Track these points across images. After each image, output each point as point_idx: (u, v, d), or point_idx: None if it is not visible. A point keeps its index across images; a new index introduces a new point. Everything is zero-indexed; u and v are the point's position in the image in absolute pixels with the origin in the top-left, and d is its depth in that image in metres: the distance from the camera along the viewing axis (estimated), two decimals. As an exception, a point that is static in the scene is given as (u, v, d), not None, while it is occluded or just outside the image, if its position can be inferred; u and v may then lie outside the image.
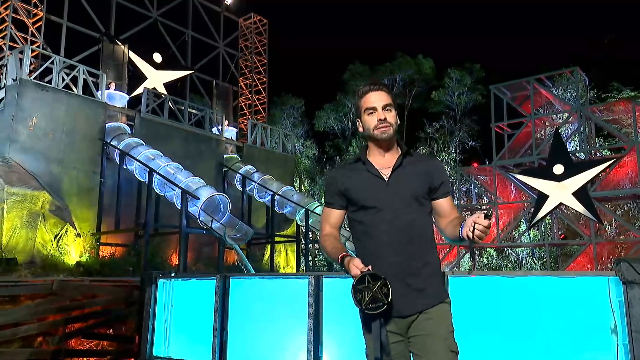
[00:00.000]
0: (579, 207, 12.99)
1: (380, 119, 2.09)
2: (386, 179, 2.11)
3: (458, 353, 2.00)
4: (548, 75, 15.88)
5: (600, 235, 13.83)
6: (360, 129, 2.20)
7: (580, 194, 12.92)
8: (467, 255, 16.46)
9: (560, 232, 16.63)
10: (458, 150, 26.08)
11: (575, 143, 17.94)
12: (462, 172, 17.37)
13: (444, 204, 2.14)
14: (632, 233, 13.84)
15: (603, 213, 13.38)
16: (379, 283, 1.85)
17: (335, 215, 2.23)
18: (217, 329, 5.10)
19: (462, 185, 20.66)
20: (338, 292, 4.46)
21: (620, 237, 15.18)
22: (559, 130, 14.14)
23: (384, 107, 2.10)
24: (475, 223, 1.80)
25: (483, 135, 25.04)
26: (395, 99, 2.21)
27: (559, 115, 15.86)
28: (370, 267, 1.90)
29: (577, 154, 14.52)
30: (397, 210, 2.05)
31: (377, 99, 2.11)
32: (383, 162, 2.15)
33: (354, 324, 4.20)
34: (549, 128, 15.77)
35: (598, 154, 15.87)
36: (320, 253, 18.75)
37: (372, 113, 2.11)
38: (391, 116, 2.11)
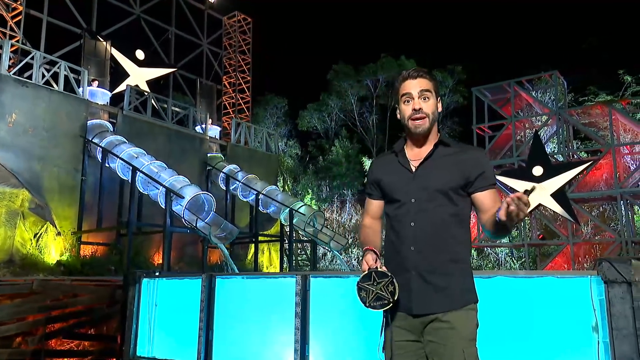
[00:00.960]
0: (557, 208, 13.28)
1: (414, 109, 1.96)
2: (412, 171, 2.00)
3: None
4: (528, 78, 16.21)
5: (577, 235, 14.18)
6: (398, 117, 2.08)
7: (558, 195, 13.21)
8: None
9: (538, 233, 16.98)
10: (439, 151, 26.34)
11: (554, 145, 18.33)
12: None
13: (483, 198, 1.95)
14: (608, 233, 14.21)
15: (580, 214, 13.72)
16: (385, 281, 1.84)
17: (374, 205, 2.16)
18: (202, 329, 5.10)
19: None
20: (325, 291, 4.51)
21: (596, 238, 15.59)
22: (538, 133, 14.45)
23: (421, 94, 1.96)
24: (513, 199, 1.63)
25: (464, 137, 25.41)
26: (438, 87, 2.05)
27: (538, 117, 16.19)
28: (379, 264, 1.88)
29: (555, 156, 14.85)
30: (421, 203, 1.94)
31: (415, 85, 1.97)
32: (416, 152, 2.04)
33: (340, 323, 4.31)
34: (528, 130, 16.09)
35: (575, 156, 16.26)
36: (302, 252, 18.81)
37: (408, 101, 1.99)
38: (428, 105, 1.97)
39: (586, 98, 21.91)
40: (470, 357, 1.85)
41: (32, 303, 7.48)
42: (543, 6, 33.50)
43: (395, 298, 1.84)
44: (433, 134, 2.03)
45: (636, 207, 14.42)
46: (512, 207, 1.62)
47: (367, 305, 1.87)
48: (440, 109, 2.05)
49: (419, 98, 1.96)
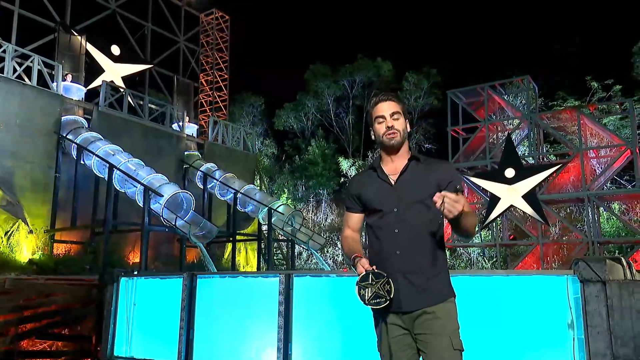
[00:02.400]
0: (528, 209, 13.70)
1: (388, 126, 2.22)
2: (392, 184, 2.23)
3: (463, 350, 2.11)
4: (501, 82, 16.63)
5: (546, 236, 14.64)
6: (373, 137, 2.32)
7: (529, 197, 13.63)
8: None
9: (509, 233, 17.44)
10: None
11: (525, 148, 18.87)
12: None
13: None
14: (575, 234, 14.71)
15: (549, 215, 14.16)
16: (382, 280, 2.01)
17: (354, 218, 2.38)
18: (183, 328, 5.08)
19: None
20: (307, 290, 4.58)
21: (564, 238, 16.11)
22: (511, 136, 14.86)
23: (392, 115, 2.23)
24: (438, 197, 1.91)
25: (438, 138, 25.88)
26: (406, 108, 2.33)
27: (510, 121, 16.63)
28: (375, 267, 2.06)
29: (526, 159, 15.29)
30: (402, 212, 2.18)
31: (385, 108, 2.24)
32: (392, 167, 2.27)
33: (323, 322, 4.39)
34: (500, 133, 16.51)
35: (545, 159, 16.76)
36: (278, 252, 18.82)
37: (381, 122, 2.24)
38: (399, 123, 2.23)
39: (555, 102, 22.60)
40: (456, 342, 2.09)
41: (4, 303, 7.30)
42: (515, 12, 34.37)
43: (392, 296, 2.01)
44: (405, 150, 2.29)
45: (601, 209, 14.96)
46: (446, 206, 1.89)
47: (367, 303, 2.02)
48: (409, 129, 2.30)
49: (390, 118, 2.23)
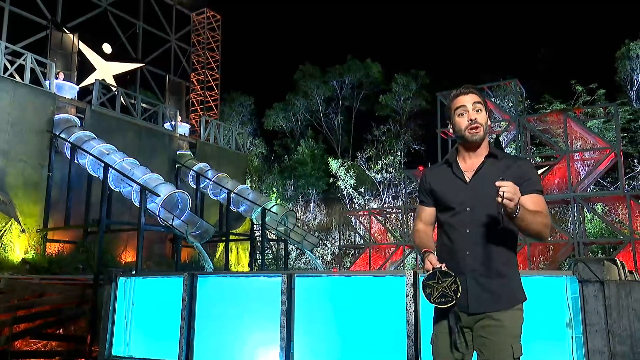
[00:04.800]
0: (516, 210, 13.99)
1: (471, 119, 2.12)
2: (467, 181, 2.15)
3: (521, 355, 2.06)
4: (490, 85, 16.95)
5: (533, 236, 14.93)
6: (451, 131, 2.24)
7: (517, 199, 13.92)
8: (412, 254, 17.25)
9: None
10: (403, 153, 27.06)
11: (512, 150, 19.21)
12: (409, 175, 18.14)
13: (524, 201, 2.02)
14: (561, 235, 15.06)
15: (536, 216, 14.46)
16: (449, 280, 1.98)
17: (427, 212, 2.31)
18: (184, 327, 5.10)
19: (407, 187, 21.50)
20: (309, 290, 4.65)
21: (549, 239, 16.47)
22: (499, 138, 15.17)
23: (474, 106, 2.13)
24: (500, 187, 1.82)
25: (427, 140, 26.19)
26: (486, 102, 2.21)
27: (498, 123, 16.95)
28: (444, 265, 2.01)
29: (514, 161, 15.59)
30: (475, 212, 2.09)
31: (467, 99, 2.14)
32: (469, 164, 2.18)
33: (324, 321, 4.50)
34: (489, 135, 16.79)
35: (532, 161, 17.12)
36: (269, 252, 18.89)
37: (462, 114, 2.14)
38: (482, 117, 2.14)
39: (541, 106, 23.06)
40: (517, 351, 2.05)
41: (-1, 303, 7.30)
42: (502, 16, 34.87)
43: (458, 296, 1.97)
44: (484, 146, 2.19)
45: (585, 210, 15.34)
46: (507, 195, 1.82)
47: (432, 301, 2.00)
48: (489, 123, 2.21)
49: (472, 110, 2.14)
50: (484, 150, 2.19)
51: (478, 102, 2.14)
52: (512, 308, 2.08)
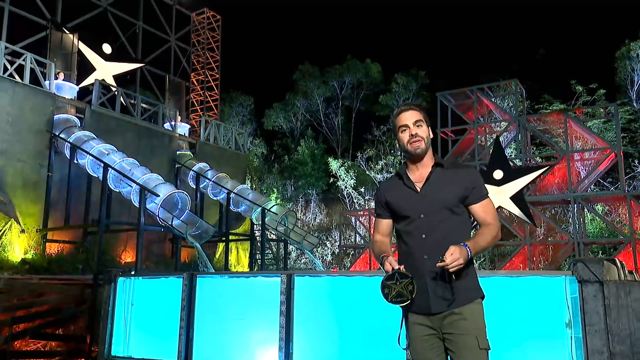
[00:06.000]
0: (516, 210, 13.96)
1: (411, 134, 2.31)
2: (418, 191, 2.32)
3: (489, 349, 2.21)
4: (490, 85, 16.93)
5: (532, 236, 14.94)
6: (397, 146, 2.43)
7: (517, 198, 13.88)
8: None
9: (496, 233, 17.66)
10: (403, 154, 26.97)
11: (512, 150, 19.18)
12: (409, 175, 18.06)
13: (475, 210, 2.32)
14: (561, 235, 15.04)
15: (536, 216, 14.47)
16: (406, 281, 2.11)
17: (384, 224, 2.48)
18: (183, 327, 5.09)
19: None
20: (308, 290, 4.64)
21: (550, 239, 16.46)
22: (499, 138, 15.14)
23: (415, 123, 2.32)
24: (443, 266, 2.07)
25: (427, 139, 26.06)
26: (428, 116, 2.39)
27: (498, 123, 16.94)
28: (402, 267, 2.15)
29: (514, 160, 15.60)
30: (429, 218, 2.26)
31: (408, 117, 2.33)
32: (418, 174, 2.36)
33: (323, 321, 4.49)
34: (489, 135, 16.79)
35: (532, 161, 17.10)
36: (269, 252, 18.90)
37: (404, 130, 2.33)
38: (422, 131, 2.32)
39: (541, 106, 23.04)
40: (482, 342, 2.19)
41: (-2, 302, 7.28)
42: (502, 16, 34.87)
43: (414, 296, 2.11)
44: (430, 157, 2.37)
45: (586, 210, 15.32)
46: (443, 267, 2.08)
47: (389, 300, 2.12)
48: (431, 136, 2.38)
49: (413, 126, 2.32)
50: (429, 161, 2.36)
51: (419, 120, 2.32)
52: (471, 302, 2.23)
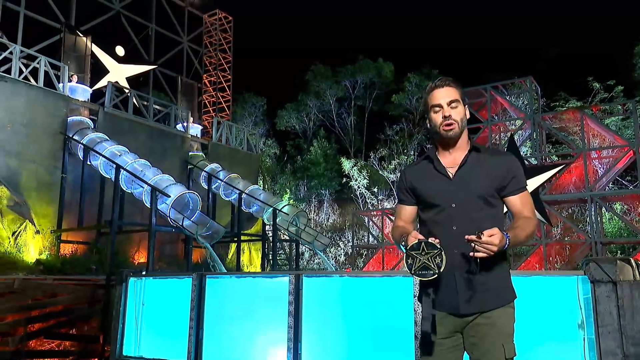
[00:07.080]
0: (531, 209, 13.75)
1: (444, 116, 2.05)
2: (451, 177, 2.07)
3: (515, 355, 1.98)
4: (503, 83, 16.70)
5: (548, 236, 14.70)
6: (428, 126, 2.16)
7: (533, 197, 13.65)
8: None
9: (512, 233, 17.40)
10: (416, 153, 26.86)
11: (527, 148, 18.90)
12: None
13: (512, 202, 2.06)
14: (578, 234, 14.77)
15: (552, 215, 14.23)
16: (434, 252, 1.85)
17: (407, 210, 2.22)
18: (193, 328, 5.10)
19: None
20: (317, 290, 4.61)
21: (567, 238, 16.17)
22: (514, 136, 14.93)
23: (450, 104, 2.05)
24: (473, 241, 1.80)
25: (440, 139, 25.85)
26: (464, 95, 2.13)
27: (512, 121, 16.70)
28: (432, 238, 1.89)
29: (529, 159, 15.36)
30: (461, 208, 2.02)
31: (443, 95, 2.06)
32: (450, 159, 2.11)
33: (331, 322, 4.44)
34: (503, 133, 16.57)
35: (548, 160, 16.82)
36: (281, 252, 18.88)
37: (437, 110, 2.07)
38: (457, 112, 2.06)
39: (557, 104, 22.66)
40: (509, 352, 1.96)
41: (12, 302, 7.37)
42: (516, 13, 34.46)
43: (442, 270, 1.84)
44: (464, 141, 2.12)
45: (604, 209, 15.03)
46: (472, 253, 1.82)
47: (413, 272, 1.87)
48: (468, 116, 2.12)
49: (447, 106, 2.06)
50: (464, 145, 2.12)
51: (454, 100, 2.06)
52: (503, 306, 2.00)
